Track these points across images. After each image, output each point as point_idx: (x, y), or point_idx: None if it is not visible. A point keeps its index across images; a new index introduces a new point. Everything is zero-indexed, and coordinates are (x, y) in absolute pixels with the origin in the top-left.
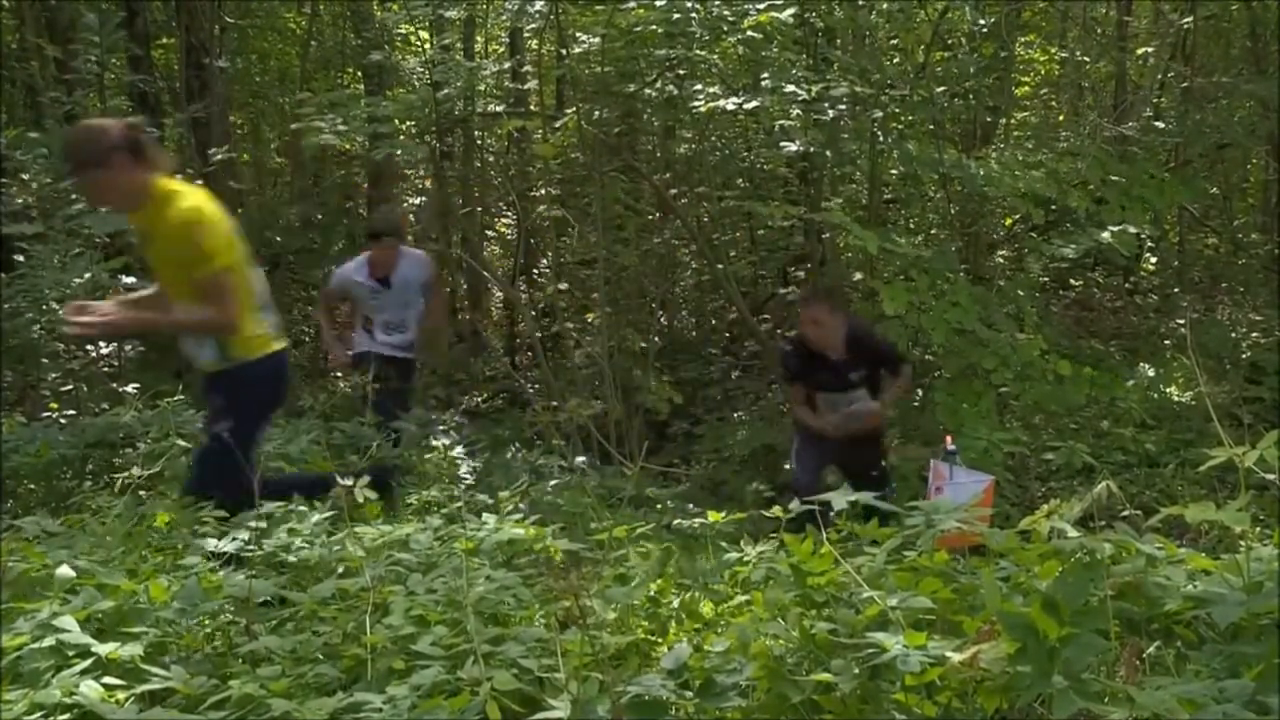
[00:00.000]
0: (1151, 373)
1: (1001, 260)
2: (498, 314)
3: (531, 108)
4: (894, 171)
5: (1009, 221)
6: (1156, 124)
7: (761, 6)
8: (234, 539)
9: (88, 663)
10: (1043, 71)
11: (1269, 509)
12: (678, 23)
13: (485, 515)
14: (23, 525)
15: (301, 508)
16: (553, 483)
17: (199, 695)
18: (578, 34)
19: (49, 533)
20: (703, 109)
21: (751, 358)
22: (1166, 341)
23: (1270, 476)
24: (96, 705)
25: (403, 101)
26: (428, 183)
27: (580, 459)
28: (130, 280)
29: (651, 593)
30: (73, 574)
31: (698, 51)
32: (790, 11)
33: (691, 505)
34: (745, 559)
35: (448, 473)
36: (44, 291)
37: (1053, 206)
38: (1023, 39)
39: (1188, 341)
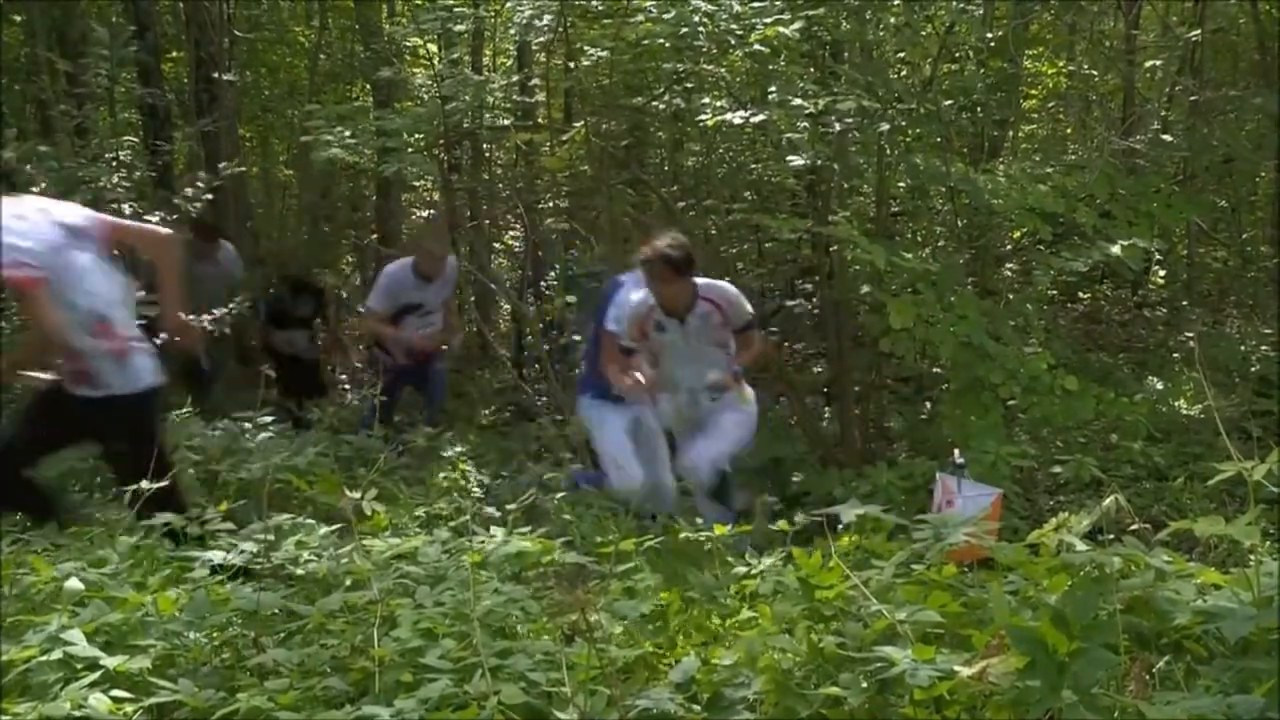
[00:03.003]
0: (1160, 386)
1: (1009, 273)
2: (505, 326)
3: (539, 121)
4: (901, 185)
5: (1017, 234)
6: (1164, 138)
7: (769, 20)
8: (242, 551)
9: (95, 675)
10: (1050, 85)
11: (1278, 523)
12: (685, 36)
13: (493, 528)
14: (31, 538)
15: (309, 520)
16: (559, 496)
17: (207, 708)
18: (586, 47)
19: (57, 545)
20: (710, 122)
21: (760, 370)
22: (1175, 355)
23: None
24: (104, 718)
25: (411, 115)
26: (435, 195)
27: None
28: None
29: (659, 606)
30: (81, 586)
31: (705, 65)
32: (797, 25)
33: (699, 518)
34: (753, 572)
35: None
36: None
37: (1060, 220)
38: (1030, 52)
39: (1196, 355)
